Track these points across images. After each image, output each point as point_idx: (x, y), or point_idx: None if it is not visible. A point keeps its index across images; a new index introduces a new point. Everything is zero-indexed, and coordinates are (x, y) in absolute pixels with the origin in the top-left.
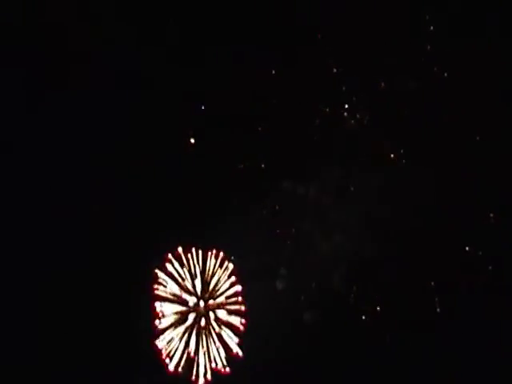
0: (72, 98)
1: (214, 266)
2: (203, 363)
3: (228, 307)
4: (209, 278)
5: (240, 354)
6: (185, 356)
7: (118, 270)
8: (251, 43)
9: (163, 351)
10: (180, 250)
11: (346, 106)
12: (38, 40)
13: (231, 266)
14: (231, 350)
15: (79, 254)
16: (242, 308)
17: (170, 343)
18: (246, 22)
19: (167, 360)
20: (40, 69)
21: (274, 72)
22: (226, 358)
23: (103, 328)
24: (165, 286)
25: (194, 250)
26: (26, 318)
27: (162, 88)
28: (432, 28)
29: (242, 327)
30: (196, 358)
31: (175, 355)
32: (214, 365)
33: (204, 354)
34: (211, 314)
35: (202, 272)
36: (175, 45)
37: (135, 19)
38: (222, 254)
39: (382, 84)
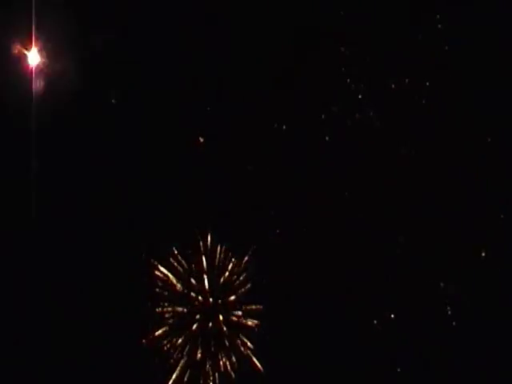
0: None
1: (226, 253)
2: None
3: (245, 307)
4: (219, 269)
5: (262, 369)
6: (187, 375)
7: (101, 260)
8: (256, 43)
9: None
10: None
11: (356, 106)
12: None
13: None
14: (251, 365)
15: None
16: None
17: (168, 356)
18: (253, 20)
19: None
20: None
21: (283, 73)
22: (243, 375)
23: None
24: (162, 280)
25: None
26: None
27: (169, 86)
28: (441, 26)
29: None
30: (202, 375)
31: (174, 372)
32: None
33: (213, 372)
34: (222, 317)
35: (211, 261)
36: (181, 42)
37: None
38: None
39: (393, 85)
